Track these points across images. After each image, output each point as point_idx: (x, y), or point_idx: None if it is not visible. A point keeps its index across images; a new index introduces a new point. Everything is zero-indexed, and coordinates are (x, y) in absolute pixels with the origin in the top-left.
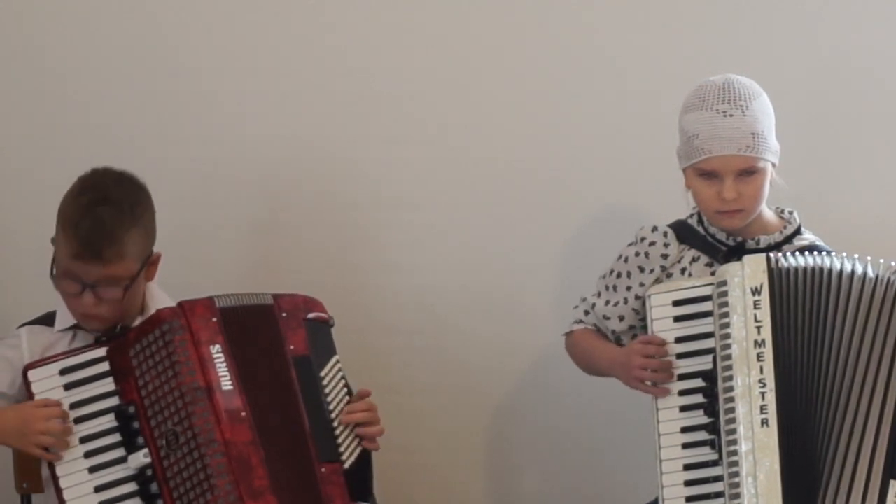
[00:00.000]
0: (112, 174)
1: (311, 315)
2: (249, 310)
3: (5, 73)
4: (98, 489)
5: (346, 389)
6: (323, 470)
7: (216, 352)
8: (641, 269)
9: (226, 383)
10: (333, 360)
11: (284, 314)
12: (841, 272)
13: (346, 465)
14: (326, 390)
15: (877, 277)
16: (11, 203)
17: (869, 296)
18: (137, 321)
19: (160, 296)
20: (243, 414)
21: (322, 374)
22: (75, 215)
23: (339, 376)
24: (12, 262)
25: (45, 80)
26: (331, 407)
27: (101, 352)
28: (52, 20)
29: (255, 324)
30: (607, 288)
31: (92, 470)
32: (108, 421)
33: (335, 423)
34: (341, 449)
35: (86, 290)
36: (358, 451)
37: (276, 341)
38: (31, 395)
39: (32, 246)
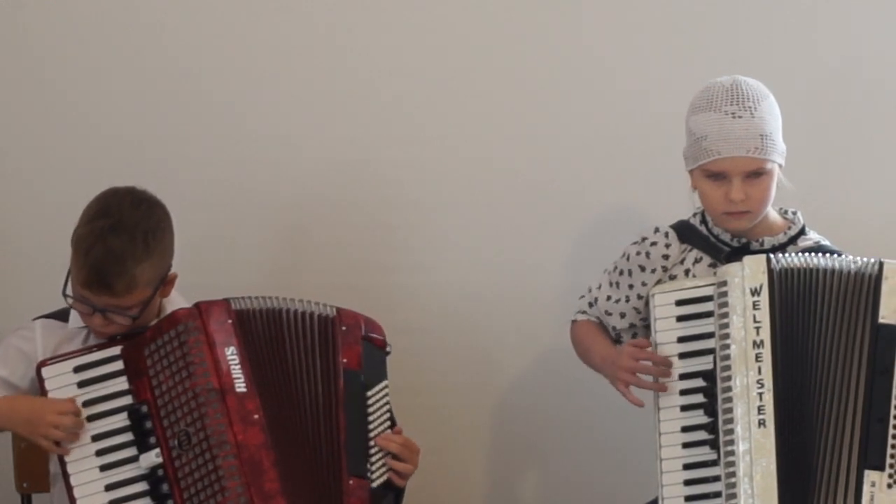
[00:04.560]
0: (128, 197)
1: (370, 337)
2: (284, 314)
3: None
4: (109, 487)
5: (389, 415)
6: (351, 482)
7: (231, 354)
8: (643, 269)
9: (240, 385)
10: (383, 384)
11: (344, 328)
12: (833, 272)
13: (374, 485)
14: (370, 409)
15: (854, 273)
16: (23, 204)
17: (849, 293)
18: (153, 321)
19: (177, 298)
20: (256, 416)
21: (369, 393)
22: (87, 242)
23: (384, 401)
24: (12, 263)
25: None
26: (371, 426)
27: (116, 350)
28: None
29: (293, 329)
30: (611, 284)
31: (103, 468)
32: (121, 420)
33: (372, 443)
34: (372, 468)
35: (96, 312)
36: (387, 475)
37: (328, 351)
38: (44, 392)
39: (33, 246)
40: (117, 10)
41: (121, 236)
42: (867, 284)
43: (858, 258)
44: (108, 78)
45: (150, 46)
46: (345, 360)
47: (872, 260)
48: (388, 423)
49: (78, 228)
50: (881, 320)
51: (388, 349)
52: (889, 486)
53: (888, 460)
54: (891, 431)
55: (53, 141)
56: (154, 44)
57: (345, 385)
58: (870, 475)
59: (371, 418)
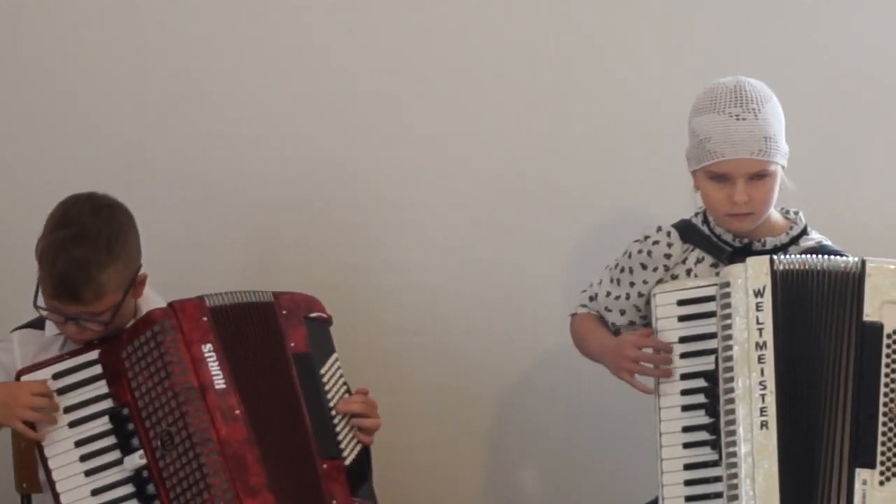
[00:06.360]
0: (88, 203)
1: (311, 314)
2: (247, 307)
3: (11, 75)
4: (95, 492)
5: (345, 388)
6: (325, 466)
7: (208, 351)
8: (644, 267)
9: (219, 382)
10: (333, 358)
11: (285, 312)
12: (824, 272)
13: (347, 462)
14: (327, 387)
15: (841, 273)
16: (12, 204)
17: (839, 293)
18: (130, 323)
19: (152, 297)
20: (237, 412)
21: (322, 371)
22: (51, 253)
23: (338, 374)
24: (12, 262)
25: (51, 83)
26: (331, 404)
27: (94, 354)
28: (58, 23)
29: (253, 322)
30: (612, 280)
31: (88, 473)
32: (103, 424)
33: (336, 420)
34: (342, 445)
35: (69, 321)
36: (357, 447)
37: (276, 339)
38: None
39: (31, 245)
40: (116, 13)
41: (83, 245)
42: (852, 283)
43: (848, 257)
44: (100, 81)
45: (136, 48)
46: (292, 344)
47: (857, 259)
48: (346, 394)
49: (41, 240)
50: (865, 318)
51: (330, 321)
52: (881, 483)
53: (878, 458)
54: (880, 429)
55: (45, 144)
56: (140, 46)
57: (298, 370)
58: (861, 473)
59: (329, 395)
